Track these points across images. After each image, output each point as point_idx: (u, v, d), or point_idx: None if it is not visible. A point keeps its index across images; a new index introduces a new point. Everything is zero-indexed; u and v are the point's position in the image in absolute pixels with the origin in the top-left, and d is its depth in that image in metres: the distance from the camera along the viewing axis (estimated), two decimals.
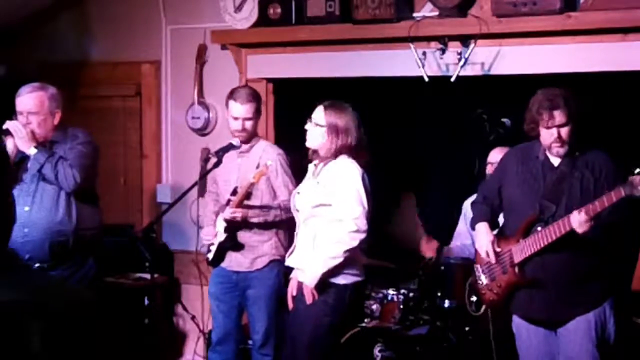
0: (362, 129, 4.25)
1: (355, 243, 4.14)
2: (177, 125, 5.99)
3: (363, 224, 4.13)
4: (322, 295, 4.17)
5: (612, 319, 3.96)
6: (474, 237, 4.29)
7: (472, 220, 4.25)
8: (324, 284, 4.16)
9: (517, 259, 3.95)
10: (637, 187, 3.58)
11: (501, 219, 4.26)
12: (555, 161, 3.96)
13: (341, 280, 4.20)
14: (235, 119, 4.78)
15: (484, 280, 4.16)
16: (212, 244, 4.86)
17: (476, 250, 4.23)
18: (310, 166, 4.36)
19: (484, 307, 4.36)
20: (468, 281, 4.48)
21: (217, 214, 4.88)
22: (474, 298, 4.59)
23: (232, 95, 4.83)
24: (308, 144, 4.28)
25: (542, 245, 3.86)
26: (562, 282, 3.91)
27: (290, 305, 4.31)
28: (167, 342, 5.91)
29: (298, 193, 4.38)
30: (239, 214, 4.67)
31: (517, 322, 4.11)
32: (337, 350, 4.42)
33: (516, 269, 3.96)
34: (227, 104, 4.84)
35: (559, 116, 3.84)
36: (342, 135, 4.20)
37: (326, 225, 4.18)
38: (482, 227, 4.14)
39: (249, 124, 4.77)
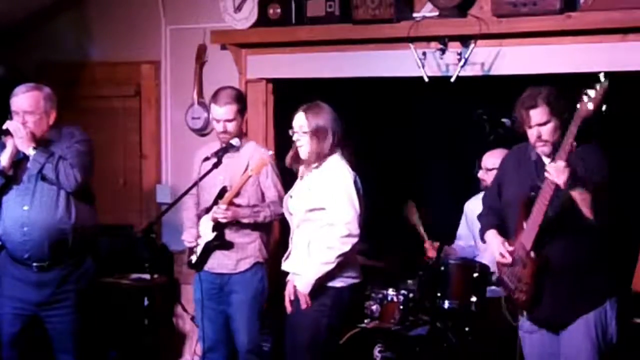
0: (340, 121, 4.27)
1: (347, 248, 4.14)
2: (177, 126, 5.99)
3: (355, 228, 4.14)
4: (319, 298, 4.18)
5: (614, 320, 3.93)
6: (488, 247, 4.25)
7: (480, 231, 4.22)
8: (320, 287, 4.18)
9: (528, 244, 3.88)
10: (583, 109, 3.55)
11: None
12: (547, 160, 3.92)
13: (338, 283, 4.21)
14: (217, 121, 4.78)
15: (511, 286, 4.06)
16: (196, 245, 4.81)
17: (498, 263, 4.13)
18: (302, 169, 4.34)
19: (525, 314, 4.12)
20: (503, 297, 4.30)
21: (198, 217, 4.84)
22: (473, 298, 4.59)
23: (213, 97, 4.83)
24: (303, 154, 4.25)
25: (540, 217, 3.78)
26: (566, 270, 3.85)
27: (289, 308, 4.31)
28: (166, 342, 5.90)
29: (291, 197, 4.37)
30: (230, 212, 4.66)
31: (522, 324, 4.09)
32: (335, 352, 4.42)
33: (532, 254, 3.88)
34: (208, 107, 4.83)
35: (536, 115, 3.81)
36: (328, 135, 4.21)
37: (320, 230, 4.20)
38: (490, 234, 4.12)
39: (230, 126, 4.76)
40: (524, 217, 3.89)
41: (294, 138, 4.27)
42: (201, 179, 4.74)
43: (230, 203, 4.68)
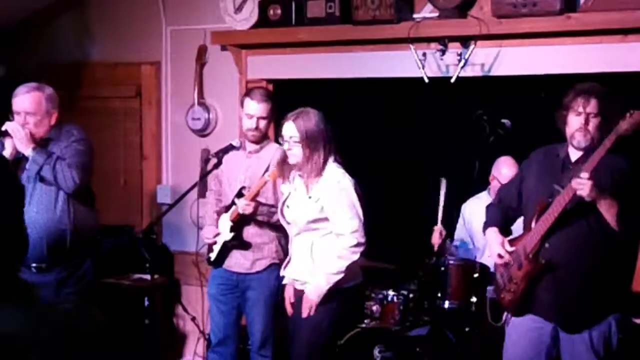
0: (330, 124, 4.26)
1: (356, 257, 4.23)
2: (177, 126, 5.99)
3: (362, 236, 4.21)
4: (326, 301, 4.24)
5: (617, 336, 3.88)
6: (487, 245, 4.24)
7: (484, 224, 4.20)
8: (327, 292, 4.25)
9: (529, 247, 3.88)
10: (622, 127, 3.61)
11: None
12: (575, 156, 3.93)
13: (342, 286, 4.27)
14: (250, 116, 4.75)
15: (501, 285, 4.06)
16: (215, 243, 4.86)
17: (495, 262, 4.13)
18: (297, 179, 4.34)
19: (504, 315, 4.17)
20: (488, 294, 4.33)
21: (218, 214, 4.88)
22: (473, 299, 4.58)
23: (248, 93, 4.83)
24: (292, 161, 4.25)
25: (549, 223, 3.79)
26: (574, 268, 3.82)
27: (290, 311, 4.41)
28: (167, 343, 5.90)
29: (287, 207, 4.38)
30: (251, 207, 4.66)
31: (514, 322, 4.06)
32: (336, 351, 4.49)
33: (530, 256, 3.88)
34: (242, 103, 4.82)
35: (593, 103, 3.82)
36: (320, 141, 4.20)
37: (323, 238, 4.25)
38: (491, 232, 4.11)
39: (262, 123, 4.76)
40: (536, 219, 3.88)
41: (285, 147, 4.26)
42: (201, 179, 4.75)
43: (253, 199, 4.70)
